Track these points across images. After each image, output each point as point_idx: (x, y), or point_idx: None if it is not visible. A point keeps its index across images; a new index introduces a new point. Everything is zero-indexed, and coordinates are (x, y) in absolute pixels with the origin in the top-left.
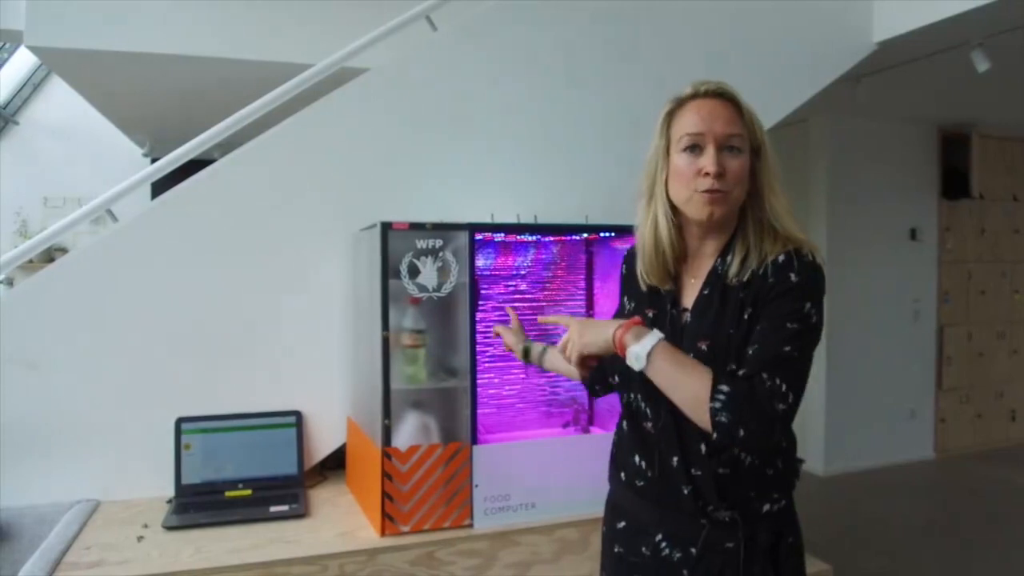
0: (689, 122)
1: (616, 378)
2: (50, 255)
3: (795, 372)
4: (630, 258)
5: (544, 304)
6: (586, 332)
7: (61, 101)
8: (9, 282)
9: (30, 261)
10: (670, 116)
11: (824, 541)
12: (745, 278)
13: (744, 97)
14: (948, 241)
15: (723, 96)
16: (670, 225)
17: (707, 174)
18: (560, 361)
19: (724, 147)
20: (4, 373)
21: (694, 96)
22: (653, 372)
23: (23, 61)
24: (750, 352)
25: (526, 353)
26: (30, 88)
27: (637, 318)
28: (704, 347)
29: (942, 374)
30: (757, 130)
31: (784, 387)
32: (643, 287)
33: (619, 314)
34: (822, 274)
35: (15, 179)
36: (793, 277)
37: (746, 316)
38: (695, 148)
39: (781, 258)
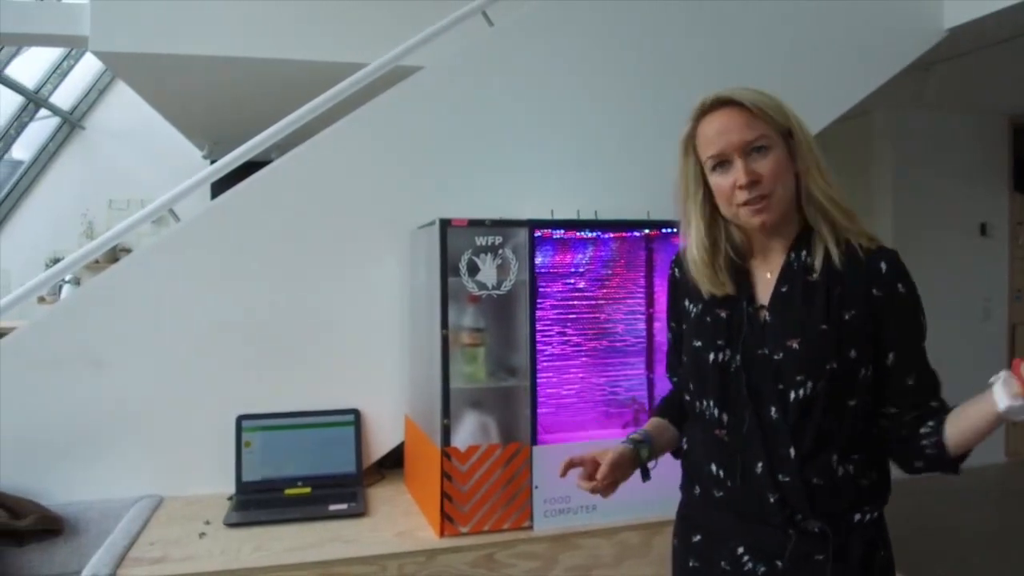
0: (707, 144)
1: (691, 386)
2: (115, 255)
3: None
4: (683, 261)
5: (603, 302)
6: None
7: (125, 106)
8: (76, 282)
9: (96, 261)
10: (692, 138)
11: (893, 548)
12: (831, 270)
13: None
14: (1021, 236)
15: (728, 103)
16: (705, 248)
17: (741, 187)
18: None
19: (750, 151)
20: (71, 371)
21: (702, 112)
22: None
23: (88, 67)
24: (913, 383)
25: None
26: (95, 94)
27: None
28: (795, 345)
29: None
30: (779, 117)
31: None
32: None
33: (670, 319)
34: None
35: (82, 182)
36: (900, 288)
37: (847, 317)
38: (724, 164)
39: (883, 266)
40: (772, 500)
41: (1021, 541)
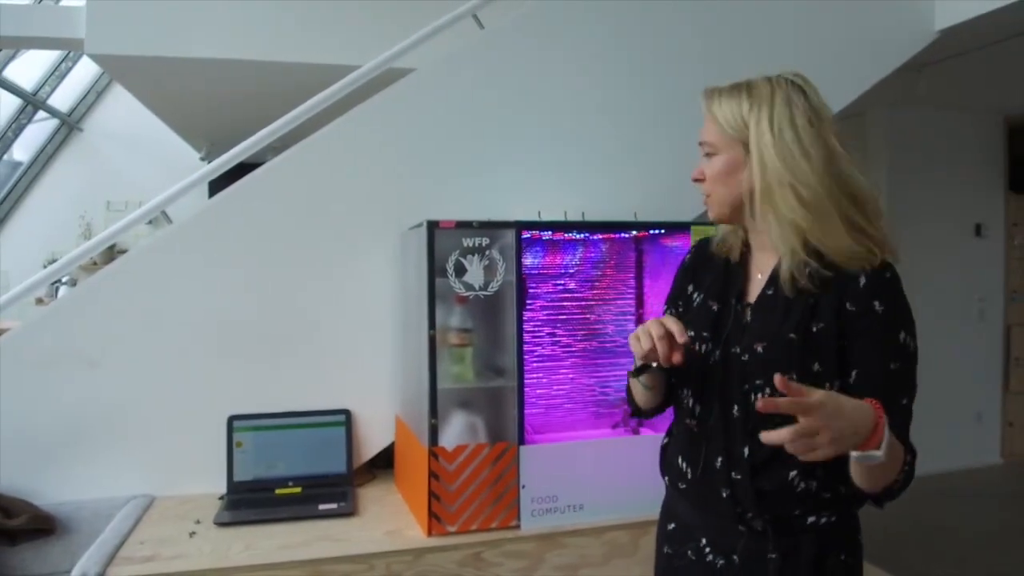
0: None
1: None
2: (112, 256)
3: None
4: (702, 248)
5: (593, 303)
6: (839, 429)
7: (123, 108)
8: (73, 283)
9: (94, 263)
10: None
11: (886, 548)
12: (804, 283)
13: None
14: (1016, 236)
15: (706, 98)
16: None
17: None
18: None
19: (705, 152)
20: (65, 370)
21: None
22: (883, 461)
23: (86, 70)
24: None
25: None
26: (93, 96)
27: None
28: (760, 349)
29: (1010, 376)
30: (734, 130)
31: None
32: (717, 274)
33: (671, 300)
34: (903, 293)
35: (80, 184)
36: (877, 305)
37: (815, 329)
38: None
39: (862, 280)
40: (724, 495)
41: (1020, 541)
